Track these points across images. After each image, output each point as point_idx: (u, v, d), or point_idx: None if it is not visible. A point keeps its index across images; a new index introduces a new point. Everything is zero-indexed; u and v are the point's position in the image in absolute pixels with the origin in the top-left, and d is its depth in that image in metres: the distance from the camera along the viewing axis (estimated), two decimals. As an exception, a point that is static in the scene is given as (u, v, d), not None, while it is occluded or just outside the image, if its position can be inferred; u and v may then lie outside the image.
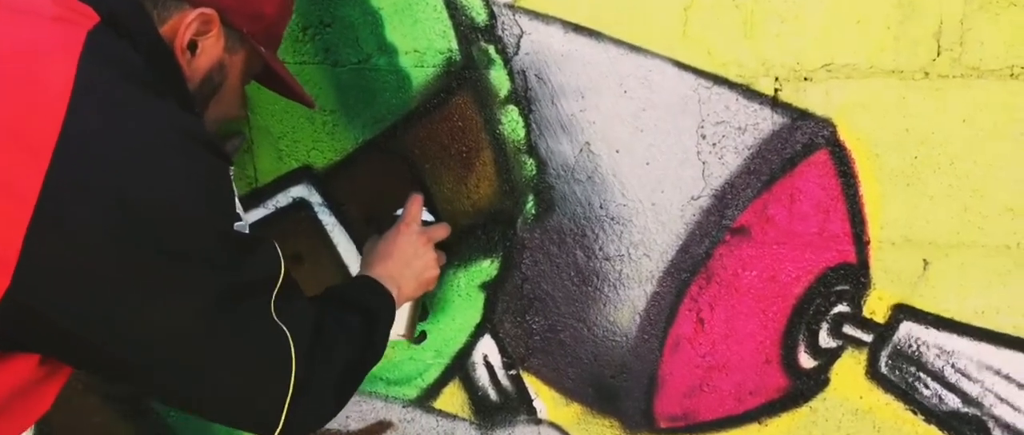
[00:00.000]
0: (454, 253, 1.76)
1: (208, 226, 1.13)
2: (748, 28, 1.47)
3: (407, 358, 1.87)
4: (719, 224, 1.60)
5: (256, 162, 1.81)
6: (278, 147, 1.79)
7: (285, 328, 1.21)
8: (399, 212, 1.65)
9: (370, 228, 1.79)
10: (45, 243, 1.01)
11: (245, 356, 1.19)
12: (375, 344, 1.42)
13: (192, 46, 1.27)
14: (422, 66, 1.65)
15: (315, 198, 1.81)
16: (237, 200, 1.19)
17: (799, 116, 1.50)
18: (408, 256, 1.60)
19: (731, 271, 1.62)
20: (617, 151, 1.60)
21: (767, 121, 1.51)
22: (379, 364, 1.87)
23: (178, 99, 1.23)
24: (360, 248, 1.82)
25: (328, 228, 1.82)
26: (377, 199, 1.77)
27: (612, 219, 1.65)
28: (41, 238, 1.01)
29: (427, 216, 1.68)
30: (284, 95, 1.49)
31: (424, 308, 1.81)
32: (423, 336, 1.83)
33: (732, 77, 1.51)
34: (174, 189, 1.09)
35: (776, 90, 1.50)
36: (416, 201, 1.66)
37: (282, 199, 1.82)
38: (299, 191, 1.81)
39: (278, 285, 1.22)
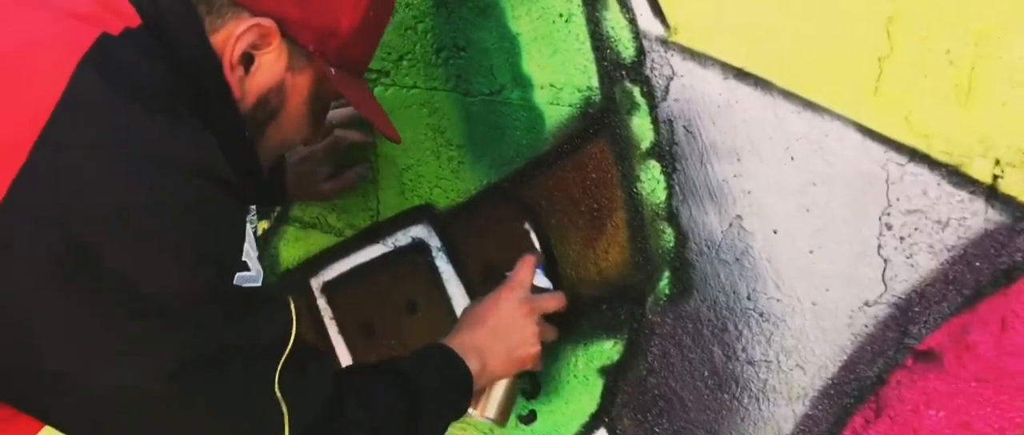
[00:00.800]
0: (573, 328, 1.49)
1: (190, 276, 0.94)
2: (964, 92, 1.11)
3: (515, 440, 1.61)
4: (899, 343, 1.23)
5: (380, 194, 1.64)
6: (402, 181, 1.60)
7: (284, 404, 1.01)
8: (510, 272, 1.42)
9: (484, 285, 1.56)
10: None
11: (220, 431, 1.00)
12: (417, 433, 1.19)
13: (247, 61, 1.11)
14: (558, 104, 1.41)
15: (434, 242, 1.60)
16: (251, 249, 1.00)
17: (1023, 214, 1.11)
18: (505, 326, 1.36)
19: (910, 406, 1.24)
20: (775, 232, 1.28)
21: (979, 217, 1.13)
22: (484, 439, 1.63)
23: (215, 121, 1.06)
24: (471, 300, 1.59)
25: (444, 277, 1.61)
26: (497, 251, 1.54)
27: (760, 315, 1.31)
28: None
29: (542, 280, 1.43)
30: (372, 123, 1.29)
31: (535, 383, 1.54)
32: (532, 416, 1.57)
33: (935, 154, 1.14)
34: (146, 229, 0.91)
35: (995, 176, 1.11)
36: (527, 263, 1.41)
37: (401, 238, 1.64)
38: (419, 231, 1.62)
39: (287, 352, 1.02)
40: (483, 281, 1.57)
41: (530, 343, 1.36)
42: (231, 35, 1.08)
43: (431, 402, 1.22)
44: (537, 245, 1.48)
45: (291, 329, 1.04)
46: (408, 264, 1.64)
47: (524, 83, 1.43)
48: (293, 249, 1.78)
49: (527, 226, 1.49)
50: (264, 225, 1.80)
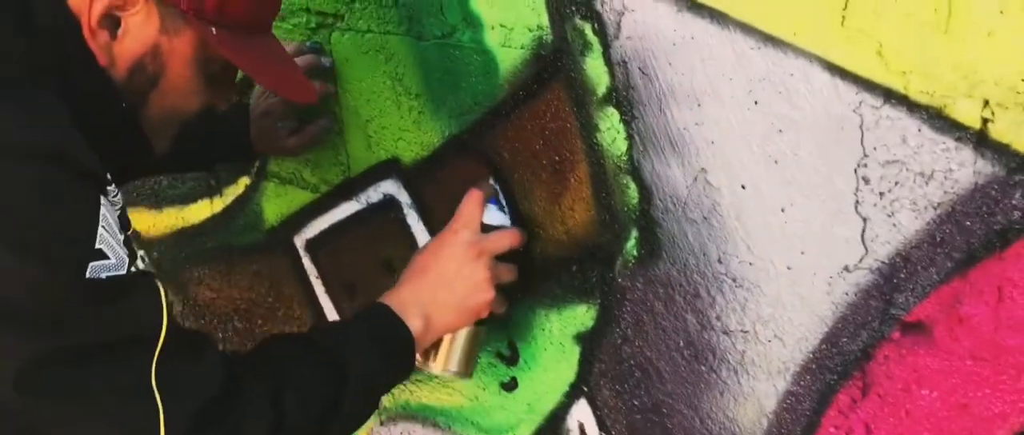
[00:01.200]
0: (545, 291, 1.36)
1: (34, 270, 0.86)
2: (943, 17, 0.91)
3: (498, 406, 1.51)
4: (884, 313, 1.05)
5: (348, 147, 1.53)
6: (367, 133, 1.49)
7: (159, 401, 0.92)
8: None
9: (453, 244, 1.44)
10: None
11: (94, 429, 0.93)
12: (342, 413, 1.08)
13: (113, 24, 1.01)
14: (509, 45, 1.26)
15: (404, 197, 1.49)
16: (109, 235, 0.91)
17: (1019, 165, 0.91)
18: (450, 273, 1.22)
19: (900, 384, 1.07)
20: (742, 187, 1.11)
21: (967, 168, 0.94)
22: (470, 403, 1.54)
23: (76, 91, 0.97)
24: (449, 265, 1.48)
25: (417, 235, 1.50)
26: (465, 209, 1.41)
27: (734, 280, 1.16)
28: None
29: (495, 216, 1.28)
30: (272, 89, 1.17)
31: (514, 349, 1.43)
32: (514, 384, 1.46)
33: (914, 94, 0.95)
34: None
35: (985, 120, 0.92)
36: (473, 198, 1.26)
37: (373, 194, 1.53)
38: (388, 187, 1.50)
39: (161, 342, 0.93)
40: (454, 239, 1.45)
41: (482, 289, 1.22)
42: (84, 3, 0.98)
43: (360, 375, 1.11)
44: (497, 191, 1.34)
45: (161, 317, 0.94)
46: (381, 221, 1.54)
47: (474, 23, 1.28)
48: (274, 205, 1.70)
49: (492, 181, 1.36)
50: (246, 181, 1.72)
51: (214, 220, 1.82)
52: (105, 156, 1.11)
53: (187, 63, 1.07)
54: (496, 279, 1.24)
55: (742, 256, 1.14)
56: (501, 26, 1.26)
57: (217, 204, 1.80)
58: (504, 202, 1.33)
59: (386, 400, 1.67)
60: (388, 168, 1.49)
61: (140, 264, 1.00)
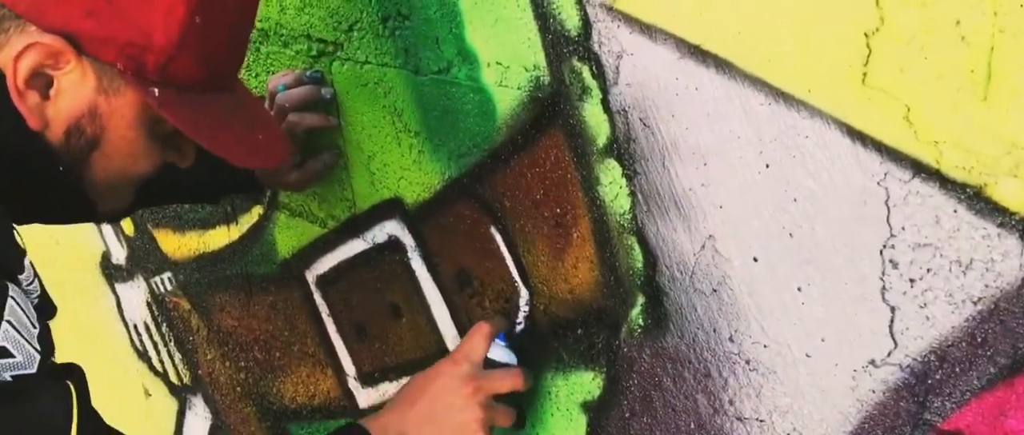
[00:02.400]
0: (551, 352, 1.23)
1: None
2: (982, 85, 0.74)
3: (507, 468, 1.39)
4: (917, 417, 0.89)
5: (353, 183, 1.42)
6: (370, 169, 1.38)
7: None
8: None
9: (461, 294, 1.33)
10: None
11: None
12: None
13: (45, 84, 0.93)
14: (506, 85, 1.13)
15: (408, 240, 1.38)
16: (16, 331, 0.84)
17: (1078, 263, 0.74)
18: (440, 408, 1.12)
19: (936, 501, 0.91)
20: (754, 259, 0.96)
21: (1013, 259, 0.78)
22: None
23: (5, 153, 0.91)
24: (455, 316, 1.36)
25: (421, 281, 1.39)
26: (469, 255, 1.30)
27: (747, 362, 1.01)
28: None
29: (502, 354, 1.19)
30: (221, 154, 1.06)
31: (521, 416, 1.30)
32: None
33: (949, 169, 0.79)
34: None
35: (1036, 204, 0.75)
36: (480, 332, 1.17)
37: (378, 233, 1.42)
38: (393, 228, 1.40)
39: None
40: (459, 289, 1.33)
41: (471, 429, 1.12)
42: (9, 57, 0.89)
43: None
44: (513, 325, 1.24)
45: (70, 422, 0.88)
46: (387, 263, 1.43)
47: (470, 59, 1.16)
48: (286, 238, 1.61)
49: (492, 230, 1.24)
50: (259, 210, 1.64)
51: (232, 248, 1.74)
52: (47, 217, 1.03)
53: (130, 125, 0.98)
54: (491, 422, 1.14)
55: (756, 337, 0.99)
56: (497, 64, 1.13)
57: (234, 231, 1.72)
58: (515, 339, 1.23)
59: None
60: (392, 208, 1.38)
61: (54, 359, 0.91)
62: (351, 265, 1.50)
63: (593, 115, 1.05)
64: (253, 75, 1.49)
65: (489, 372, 1.15)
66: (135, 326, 2.19)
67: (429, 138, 1.27)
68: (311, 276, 1.59)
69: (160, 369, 2.18)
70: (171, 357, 2.11)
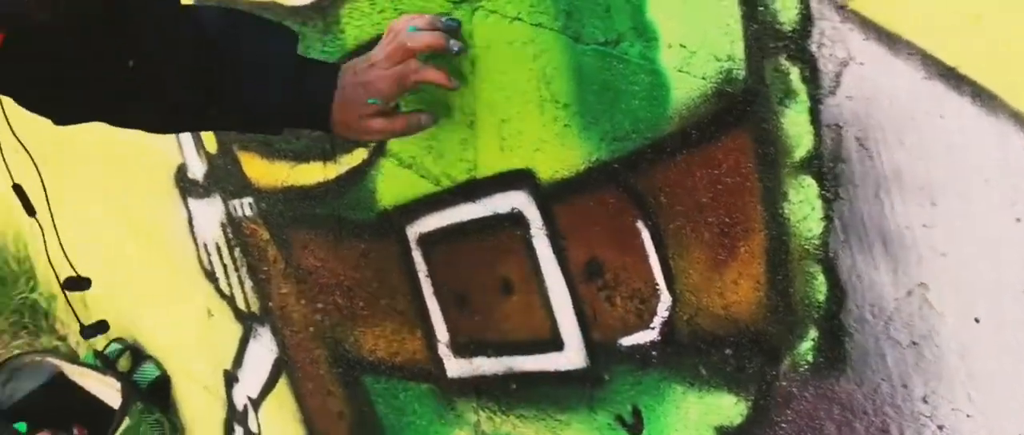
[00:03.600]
0: (688, 366, 1.12)
1: None
2: None
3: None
4: None
5: (477, 143, 1.30)
6: (501, 134, 1.25)
7: None
8: None
9: (589, 285, 1.21)
10: None
11: None
12: None
13: None
14: (688, 72, 1.00)
15: (534, 216, 1.26)
16: None
17: None
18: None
19: None
20: (976, 320, 0.83)
21: None
22: (579, 459, 1.33)
23: None
24: (576, 305, 1.25)
25: (543, 261, 1.27)
26: (604, 245, 1.18)
27: (940, 428, 0.89)
28: None
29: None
30: None
31: (639, 419, 1.20)
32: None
33: None
34: None
35: None
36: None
37: (500, 203, 1.30)
38: (518, 200, 1.27)
39: None
40: (587, 278, 1.22)
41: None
42: None
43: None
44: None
45: None
46: (505, 236, 1.31)
47: (647, 36, 1.02)
48: (390, 187, 1.49)
49: (640, 225, 1.11)
50: (363, 154, 1.52)
51: (325, 187, 1.63)
52: None
53: None
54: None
55: (958, 403, 0.87)
56: (681, 46, 0.99)
57: (330, 170, 1.61)
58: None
59: (487, 427, 1.48)
60: (520, 179, 1.25)
61: None
62: (462, 230, 1.39)
63: (794, 124, 0.92)
64: (378, 10, 1.35)
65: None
66: (205, 245, 2.10)
67: (580, 113, 1.13)
68: (413, 232, 1.48)
69: (227, 292, 2.10)
70: (241, 283, 2.02)
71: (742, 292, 1.03)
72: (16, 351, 3.14)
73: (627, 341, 1.19)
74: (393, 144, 1.45)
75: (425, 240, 1.46)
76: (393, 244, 1.53)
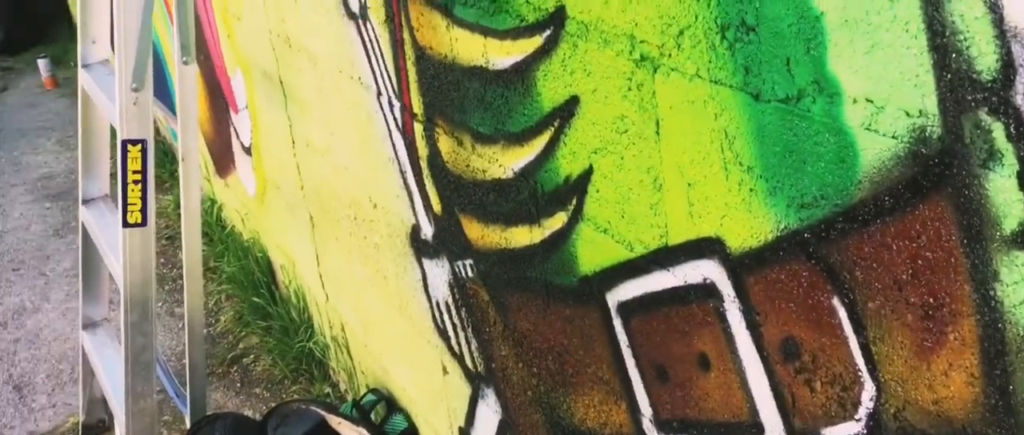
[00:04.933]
0: (896, 467, 0.96)
1: None
2: None
3: None
4: None
5: (667, 208, 1.21)
6: (689, 199, 1.16)
7: None
8: None
9: (786, 366, 1.09)
10: None
11: None
12: None
13: None
14: (876, 130, 0.86)
15: (726, 288, 1.15)
16: None
17: None
18: None
19: None
20: None
21: None
22: None
23: None
24: (775, 388, 1.12)
25: (738, 338, 1.16)
26: (800, 323, 1.05)
27: None
28: None
29: None
30: None
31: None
32: None
33: None
34: None
35: None
36: None
37: (691, 272, 1.21)
38: (709, 270, 1.17)
39: None
40: (784, 359, 1.09)
41: None
42: None
43: None
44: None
45: None
46: (699, 307, 1.21)
47: (830, 90, 0.90)
48: (589, 252, 1.43)
49: (836, 302, 0.98)
50: (563, 217, 1.47)
51: (533, 250, 1.60)
52: None
53: None
54: None
55: None
56: (867, 101, 0.86)
57: (536, 233, 1.58)
58: None
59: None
60: (711, 247, 1.15)
61: None
62: (657, 299, 1.30)
63: (1001, 190, 0.76)
64: (569, 71, 1.31)
65: None
66: (437, 303, 2.15)
67: (765, 177, 1.02)
68: (612, 299, 1.41)
69: (457, 351, 2.12)
70: (468, 343, 2.04)
71: (954, 386, 0.87)
72: (294, 397, 3.39)
73: (831, 433, 1.05)
74: (590, 207, 1.39)
75: (624, 307, 1.39)
76: (595, 310, 1.47)
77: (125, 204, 2.37)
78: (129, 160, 2.37)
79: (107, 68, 2.77)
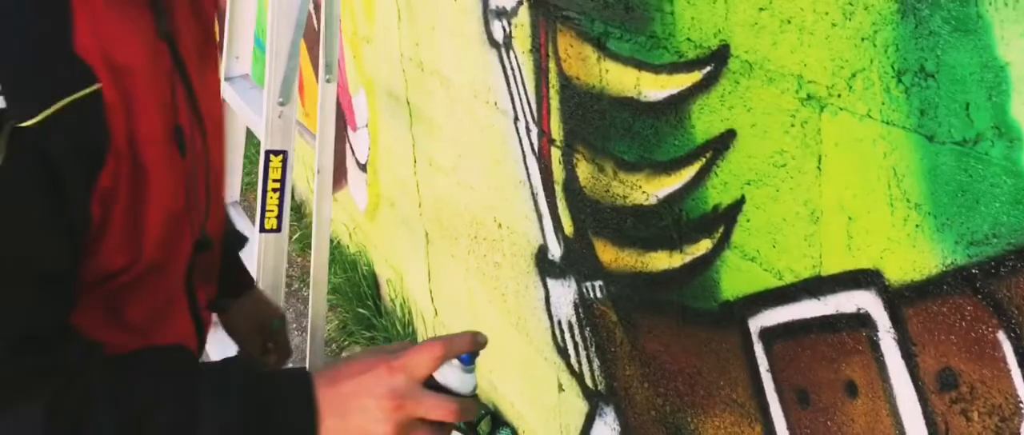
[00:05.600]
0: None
1: None
2: None
3: None
4: None
5: (821, 240, 1.28)
6: (848, 233, 1.23)
7: None
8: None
9: (942, 395, 1.14)
10: None
11: None
12: None
13: None
14: (1057, 176, 0.92)
15: (882, 318, 1.21)
16: None
17: None
18: (354, 405, 0.98)
19: None
20: None
21: None
22: None
23: None
24: (926, 416, 1.17)
25: (891, 366, 1.21)
26: (961, 356, 1.10)
27: None
28: None
29: (453, 378, 1.02)
30: None
31: None
32: None
33: None
34: None
35: None
36: (432, 352, 1.00)
37: (845, 303, 1.27)
38: (865, 301, 1.23)
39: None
40: (940, 389, 1.14)
41: None
42: None
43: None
44: (479, 347, 1.04)
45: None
46: (850, 336, 1.27)
47: (1011, 134, 0.96)
48: (733, 279, 1.50)
49: (1000, 336, 1.03)
50: (708, 245, 1.55)
51: (671, 275, 1.68)
52: None
53: None
54: None
55: None
56: (1049, 147, 0.92)
57: (676, 259, 1.65)
58: (475, 364, 1.05)
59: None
60: (867, 279, 1.22)
61: None
62: (805, 326, 1.36)
63: None
64: (727, 106, 1.39)
65: (423, 393, 0.99)
66: (559, 322, 2.23)
67: (934, 214, 1.08)
68: (755, 325, 1.47)
69: (576, 369, 2.20)
70: (590, 361, 2.11)
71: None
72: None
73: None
74: (738, 236, 1.46)
75: (767, 334, 1.45)
76: (735, 335, 1.53)
77: (263, 210, 2.52)
78: (270, 169, 2.51)
79: (248, 82, 2.94)
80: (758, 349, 1.48)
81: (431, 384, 1.01)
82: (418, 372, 1.00)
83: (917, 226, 1.11)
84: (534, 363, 2.43)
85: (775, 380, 1.46)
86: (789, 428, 1.45)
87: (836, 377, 1.32)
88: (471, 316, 2.80)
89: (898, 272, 1.16)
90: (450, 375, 1.02)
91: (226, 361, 1.03)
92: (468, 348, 1.04)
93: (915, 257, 1.13)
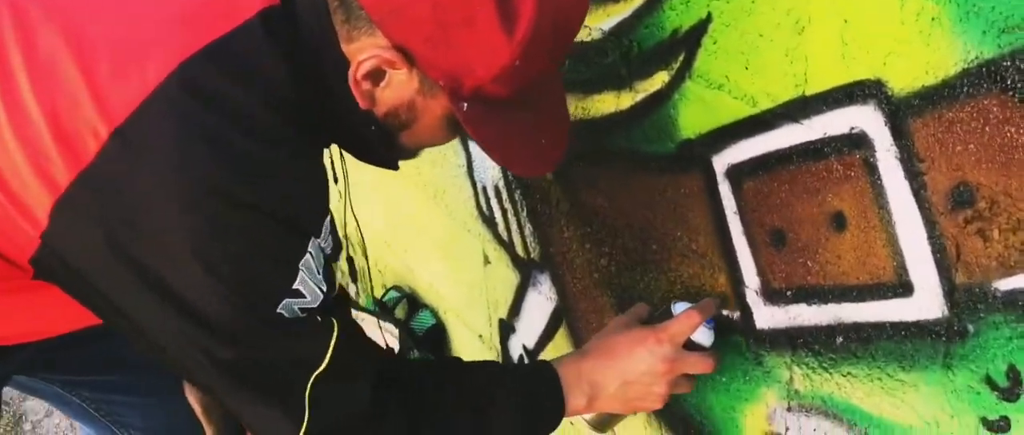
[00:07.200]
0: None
1: (232, 295, 1.08)
2: None
3: (968, 443, 1.08)
4: None
5: (807, 52, 1.12)
6: (842, 38, 1.07)
7: (307, 409, 1.15)
8: (677, 307, 1.36)
9: (954, 214, 1.01)
10: (64, 227, 1.07)
11: (253, 411, 1.19)
12: None
13: (379, 76, 1.12)
14: None
15: (882, 135, 1.06)
16: (308, 278, 1.13)
17: None
18: (633, 375, 1.32)
19: None
20: None
21: None
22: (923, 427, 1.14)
23: (320, 124, 1.18)
24: (933, 241, 1.04)
25: (890, 189, 1.08)
26: (983, 169, 0.97)
27: None
28: (61, 222, 1.06)
29: (704, 336, 1.33)
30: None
31: (1014, 375, 0.99)
32: (1003, 426, 1.03)
33: None
34: (174, 250, 1.05)
35: None
36: (690, 317, 1.32)
37: (836, 122, 1.12)
38: (861, 117, 1.08)
39: (321, 368, 1.16)
40: (951, 209, 1.01)
41: (653, 398, 1.33)
42: (356, 57, 1.10)
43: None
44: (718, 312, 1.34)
45: (327, 349, 1.16)
46: (840, 161, 1.13)
47: None
48: (695, 113, 1.34)
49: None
50: (663, 77, 1.37)
51: (619, 117, 1.50)
52: (355, 153, 1.32)
53: (437, 119, 1.18)
54: (673, 389, 1.33)
55: None
56: None
57: (625, 99, 1.47)
58: (716, 324, 1.34)
59: (801, 386, 1.30)
60: (865, 91, 1.06)
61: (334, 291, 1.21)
62: (782, 157, 1.21)
63: None
64: None
65: (686, 354, 1.31)
66: (484, 187, 2.04)
67: (956, 2, 0.93)
68: (720, 163, 1.32)
69: (505, 238, 2.03)
70: (520, 228, 1.95)
71: None
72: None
73: (1005, 284, 0.97)
74: (702, 62, 1.29)
75: (735, 171, 1.30)
76: (696, 178, 1.38)
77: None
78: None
79: None
80: (724, 189, 1.33)
81: (687, 344, 1.32)
82: (681, 338, 1.32)
83: (933, 19, 0.95)
84: (456, 237, 2.25)
85: (743, 222, 1.31)
86: (760, 273, 1.31)
87: (819, 211, 1.18)
88: (381, 196, 2.58)
89: (905, 79, 1.01)
90: (702, 335, 1.33)
91: (500, 381, 1.35)
92: (712, 313, 1.33)
93: (928, 57, 0.97)
